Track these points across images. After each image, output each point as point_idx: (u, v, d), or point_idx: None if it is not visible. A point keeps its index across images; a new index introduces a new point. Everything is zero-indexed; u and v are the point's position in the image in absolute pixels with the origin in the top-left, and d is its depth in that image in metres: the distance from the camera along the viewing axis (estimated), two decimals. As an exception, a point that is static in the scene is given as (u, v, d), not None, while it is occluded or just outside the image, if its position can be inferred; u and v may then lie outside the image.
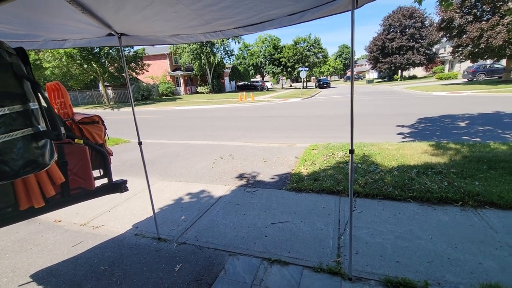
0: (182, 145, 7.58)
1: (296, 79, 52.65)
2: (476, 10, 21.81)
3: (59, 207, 2.15)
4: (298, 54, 41.61)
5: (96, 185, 2.38)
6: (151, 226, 3.17)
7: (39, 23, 1.86)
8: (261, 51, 45.58)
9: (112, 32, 2.24)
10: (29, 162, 1.03)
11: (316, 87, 42.42)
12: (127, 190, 2.65)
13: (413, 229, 2.78)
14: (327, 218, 3.11)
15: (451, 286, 2.02)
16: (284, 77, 47.86)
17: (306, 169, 4.69)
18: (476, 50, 21.88)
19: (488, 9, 20.99)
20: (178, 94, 35.72)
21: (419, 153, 5.10)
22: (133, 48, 25.35)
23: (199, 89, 36.43)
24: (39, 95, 1.14)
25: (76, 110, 2.37)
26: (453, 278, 2.10)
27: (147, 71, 28.15)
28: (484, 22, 20.93)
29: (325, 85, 39.85)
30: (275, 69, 44.11)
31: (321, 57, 45.33)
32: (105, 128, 2.49)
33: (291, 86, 55.00)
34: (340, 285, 2.12)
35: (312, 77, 59.49)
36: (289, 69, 42.72)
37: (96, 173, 2.40)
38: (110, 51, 23.59)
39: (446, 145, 5.49)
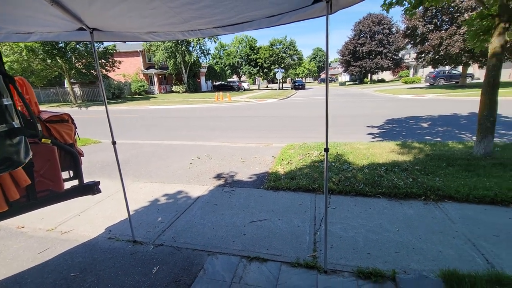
0: (157, 145, 7.37)
1: (272, 80, 53.34)
2: (436, 20, 23.62)
3: (25, 211, 2.02)
4: (274, 55, 42.18)
5: (66, 187, 2.26)
6: (126, 229, 3.06)
7: (3, 14, 1.73)
8: (237, 52, 45.55)
9: (84, 27, 2.14)
10: (3, 160, 0.98)
11: (291, 88, 43.25)
12: (100, 192, 2.55)
13: (382, 223, 2.97)
14: (303, 215, 3.22)
15: (416, 273, 2.19)
16: (260, 78, 48.22)
17: (283, 168, 4.80)
18: (437, 56, 23.72)
19: (447, 20, 22.85)
20: (152, 93, 34.56)
21: (387, 152, 5.43)
22: (103, 44, 24.09)
23: (174, 88, 35.51)
24: (15, 90, 1.08)
25: (41, 108, 2.23)
26: (417, 266, 2.29)
27: (118, 68, 26.91)
28: (443, 31, 22.75)
29: (300, 87, 40.82)
30: (252, 70, 44.32)
31: (296, 59, 46.35)
32: (75, 127, 2.37)
33: (267, 87, 55.57)
34: (316, 278, 2.21)
35: (288, 79, 60.58)
36: (265, 70, 43.15)
37: (66, 174, 2.28)
38: (78, 46, 22.19)
39: (411, 145, 5.90)
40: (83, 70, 24.00)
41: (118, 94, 29.52)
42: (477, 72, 32.43)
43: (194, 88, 36.30)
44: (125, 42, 3.38)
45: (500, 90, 4.74)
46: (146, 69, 34.45)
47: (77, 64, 23.53)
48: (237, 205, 3.57)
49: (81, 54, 22.97)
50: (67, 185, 2.26)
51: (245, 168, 5.03)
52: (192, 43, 32.97)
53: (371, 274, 2.19)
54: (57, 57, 21.48)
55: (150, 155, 6.33)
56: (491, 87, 4.38)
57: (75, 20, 1.96)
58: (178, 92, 34.52)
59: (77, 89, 28.41)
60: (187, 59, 32.68)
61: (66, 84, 26.71)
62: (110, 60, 25.48)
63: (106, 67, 25.38)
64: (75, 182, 2.36)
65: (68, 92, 27.59)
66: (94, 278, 2.31)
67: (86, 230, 3.12)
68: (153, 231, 3.02)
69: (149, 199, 3.89)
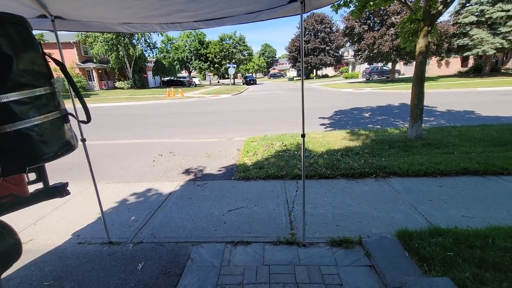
0: (112, 145, 6.85)
1: (223, 76, 52.88)
2: (370, 21, 26.37)
3: (-14, 220, 1.80)
4: (225, 50, 41.84)
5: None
6: (97, 231, 2.90)
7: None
8: (186, 46, 43.89)
9: (46, 14, 1.96)
10: (65, 143, 0.94)
11: (243, 84, 43.58)
12: (69, 193, 2.35)
13: (344, 199, 3.39)
14: (276, 200, 3.47)
15: (377, 236, 2.61)
16: (211, 73, 47.39)
17: (250, 160, 4.99)
18: (371, 54, 26.57)
19: (378, 21, 25.69)
20: (92, 90, 31.19)
21: (340, 139, 6.05)
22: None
23: (117, 84, 32.64)
24: (64, 74, 1.05)
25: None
26: (377, 230, 2.72)
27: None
28: (376, 31, 25.54)
29: (252, 82, 41.44)
30: (202, 65, 43.27)
31: (246, 54, 46.73)
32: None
33: (218, 82, 54.92)
34: (297, 251, 2.47)
35: (239, 74, 60.81)
36: (216, 65, 42.56)
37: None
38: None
39: (358, 132, 6.67)
40: None
41: (49, 91, 25.87)
42: (403, 69, 37.38)
43: (141, 83, 33.92)
44: (90, 32, 3.12)
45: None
46: (83, 62, 30.87)
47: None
48: (212, 197, 3.64)
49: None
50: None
51: (212, 162, 5.08)
52: (136, 35, 30.65)
53: (342, 241, 2.54)
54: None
55: (107, 156, 5.88)
56: (419, 80, 5.23)
57: (38, 6, 1.80)
58: (123, 88, 31.87)
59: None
60: (131, 53, 30.29)
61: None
62: (37, 52, 22.12)
63: (32, 60, 22.00)
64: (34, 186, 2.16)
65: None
66: (73, 284, 2.18)
67: (49, 238, 2.85)
68: (129, 230, 2.92)
69: (116, 199, 3.69)
